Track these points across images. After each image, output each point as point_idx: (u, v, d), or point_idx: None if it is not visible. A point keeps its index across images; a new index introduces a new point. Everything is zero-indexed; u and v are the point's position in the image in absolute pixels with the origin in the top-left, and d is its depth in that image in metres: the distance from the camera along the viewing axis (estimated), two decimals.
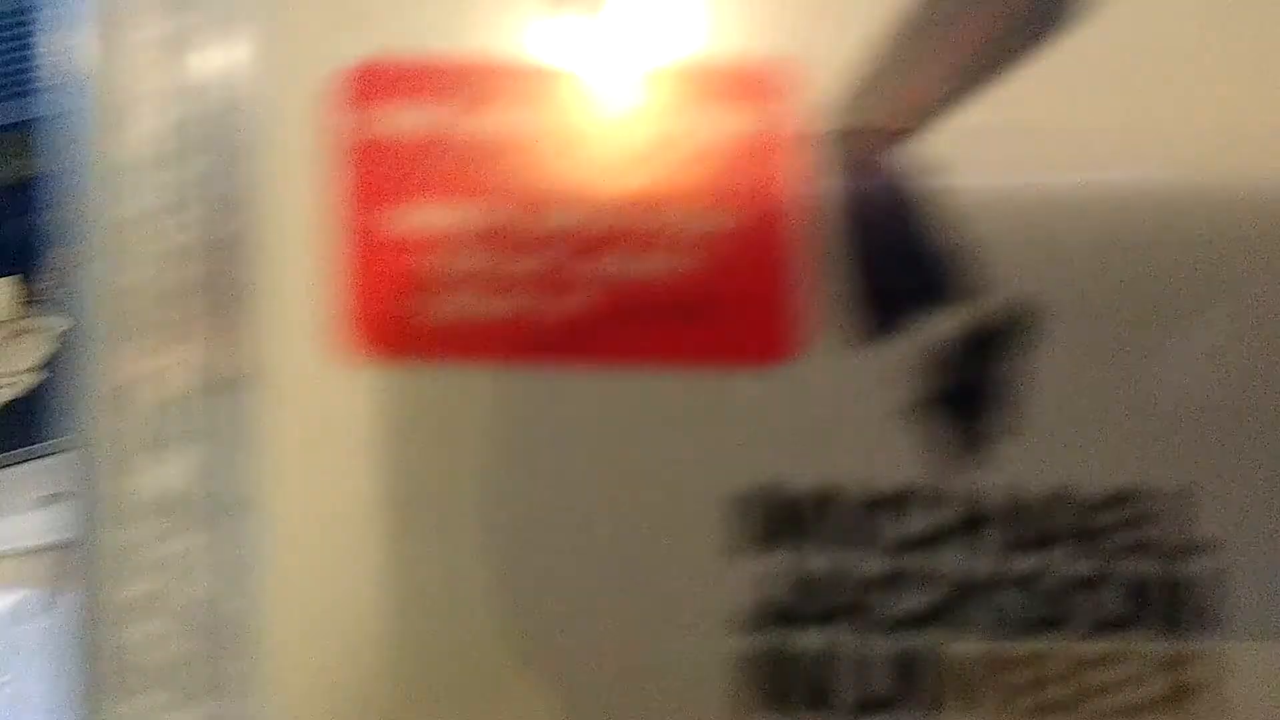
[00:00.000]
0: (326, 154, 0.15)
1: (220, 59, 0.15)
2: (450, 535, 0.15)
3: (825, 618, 0.15)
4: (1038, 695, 0.15)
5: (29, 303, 0.70)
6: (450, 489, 0.15)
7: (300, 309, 0.15)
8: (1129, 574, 0.15)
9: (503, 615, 0.15)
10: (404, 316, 0.15)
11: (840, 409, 0.15)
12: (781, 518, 0.15)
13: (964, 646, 0.15)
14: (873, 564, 0.15)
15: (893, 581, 0.15)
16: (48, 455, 0.62)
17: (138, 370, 0.15)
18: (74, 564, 0.15)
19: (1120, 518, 0.15)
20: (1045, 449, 0.15)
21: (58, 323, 0.69)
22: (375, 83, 0.15)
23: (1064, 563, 0.15)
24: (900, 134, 0.15)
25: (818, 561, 0.15)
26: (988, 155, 0.15)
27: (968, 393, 0.15)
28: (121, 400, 0.15)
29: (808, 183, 0.15)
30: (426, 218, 0.15)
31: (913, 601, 0.15)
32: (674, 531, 0.15)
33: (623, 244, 0.15)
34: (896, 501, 0.15)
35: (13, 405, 0.64)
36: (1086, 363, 0.15)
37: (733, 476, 0.15)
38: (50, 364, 0.65)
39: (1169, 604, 0.15)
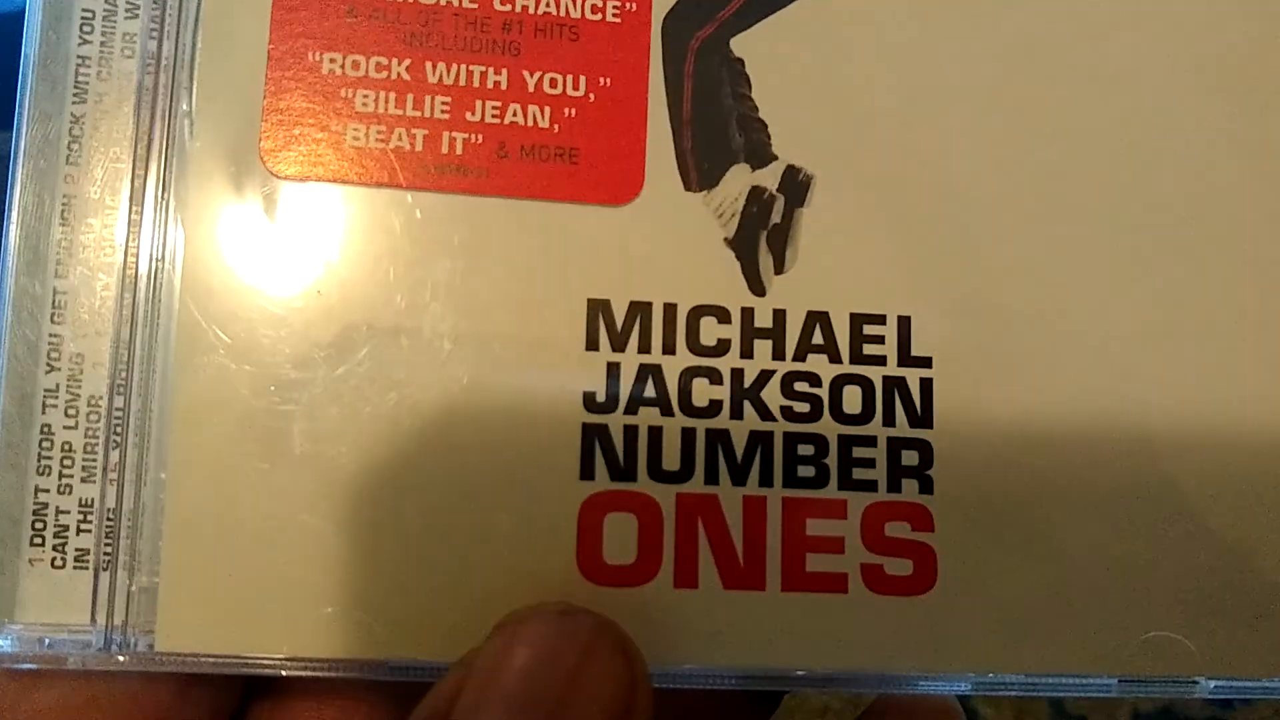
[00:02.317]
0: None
1: None
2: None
3: (637, 404, 0.19)
4: (796, 468, 0.19)
5: None
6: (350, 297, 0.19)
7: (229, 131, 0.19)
8: (867, 379, 0.19)
9: None
10: (317, 143, 0.19)
11: (665, 241, 0.19)
12: (613, 323, 0.19)
13: (740, 428, 0.19)
14: (676, 363, 0.19)
15: (689, 378, 0.19)
16: None
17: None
18: None
19: (861, 336, 0.19)
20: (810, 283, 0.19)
21: None
22: None
23: (820, 368, 0.19)
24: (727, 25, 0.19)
25: (635, 359, 0.19)
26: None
27: (759, 235, 0.19)
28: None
29: (655, 62, 0.19)
30: (342, 64, 0.19)
31: (702, 395, 0.19)
32: (542, 327, 0.19)
33: (507, 99, 0.19)
34: (700, 316, 0.19)
35: None
36: (845, 222, 0.19)
37: (586, 288, 0.19)
38: None
39: (892, 402, 0.19)
